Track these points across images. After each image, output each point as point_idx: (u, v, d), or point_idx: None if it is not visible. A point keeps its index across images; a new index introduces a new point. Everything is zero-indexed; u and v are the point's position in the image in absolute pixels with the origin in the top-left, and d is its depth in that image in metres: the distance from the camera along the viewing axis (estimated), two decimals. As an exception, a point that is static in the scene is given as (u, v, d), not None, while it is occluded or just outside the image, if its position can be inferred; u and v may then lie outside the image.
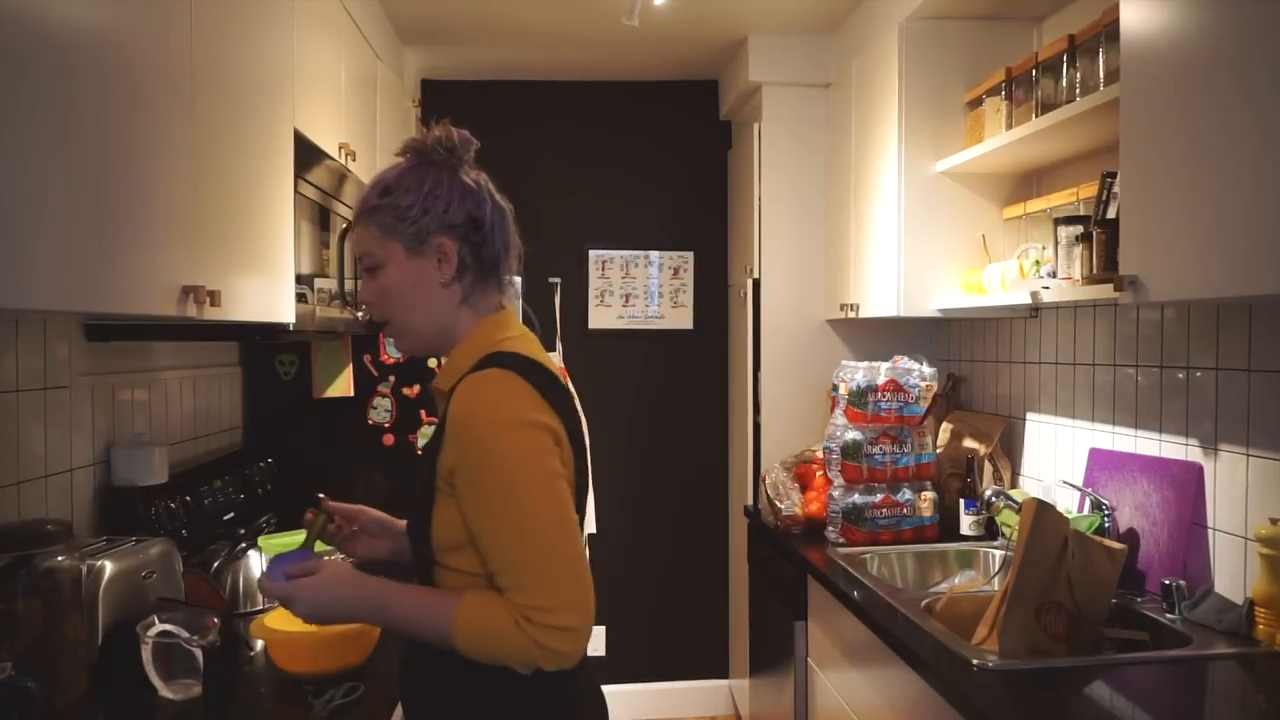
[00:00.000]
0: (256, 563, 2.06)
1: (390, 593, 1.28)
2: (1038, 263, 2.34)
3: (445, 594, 1.26)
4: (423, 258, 1.33)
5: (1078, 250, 2.09)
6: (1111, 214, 1.97)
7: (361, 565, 1.39)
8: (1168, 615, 1.92)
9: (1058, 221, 2.19)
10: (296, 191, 2.07)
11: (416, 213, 1.33)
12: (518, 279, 2.97)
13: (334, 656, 1.59)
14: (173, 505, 2.09)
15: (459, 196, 1.35)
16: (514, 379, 1.24)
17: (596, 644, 3.97)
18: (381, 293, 1.35)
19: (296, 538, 2.35)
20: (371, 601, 1.27)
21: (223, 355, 2.71)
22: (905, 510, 2.69)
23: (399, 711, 1.64)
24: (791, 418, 3.48)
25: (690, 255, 4.07)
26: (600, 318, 4.04)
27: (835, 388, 2.82)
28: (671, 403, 4.11)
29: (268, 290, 1.94)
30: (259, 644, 1.78)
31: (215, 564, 2.04)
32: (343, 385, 2.83)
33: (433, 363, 2.89)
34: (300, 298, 2.10)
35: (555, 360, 1.41)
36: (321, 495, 1.48)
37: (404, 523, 1.48)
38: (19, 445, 1.72)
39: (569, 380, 1.41)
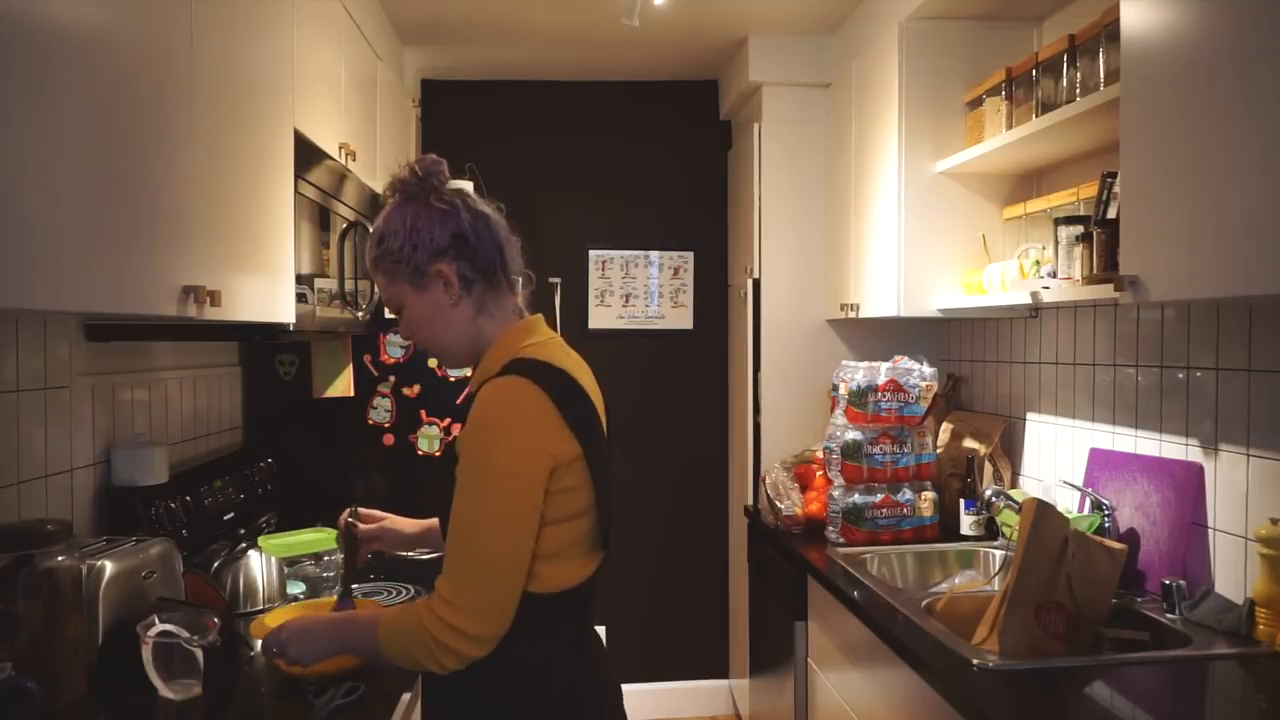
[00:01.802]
0: (257, 563, 2.06)
1: (347, 622, 1.40)
2: (1038, 263, 2.34)
3: (380, 610, 1.38)
4: (428, 289, 1.41)
5: (1078, 250, 2.09)
6: (1111, 214, 1.97)
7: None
8: (1168, 615, 1.92)
9: (1058, 221, 2.19)
10: (297, 191, 2.07)
11: (408, 251, 1.39)
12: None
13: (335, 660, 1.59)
14: (173, 505, 2.09)
15: (438, 221, 1.40)
16: (529, 387, 1.29)
17: (596, 644, 3.96)
18: (410, 328, 1.45)
19: (296, 538, 2.36)
20: (339, 634, 1.39)
21: (223, 355, 2.71)
22: (905, 510, 2.69)
23: (399, 711, 1.64)
24: (791, 418, 3.48)
25: (690, 255, 4.07)
26: (600, 318, 4.04)
27: (835, 388, 2.82)
28: (671, 403, 4.11)
29: (268, 290, 1.94)
30: (259, 644, 1.77)
31: (215, 564, 2.04)
32: (343, 385, 2.83)
33: (433, 363, 2.89)
34: (300, 298, 2.10)
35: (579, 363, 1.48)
36: (350, 520, 1.66)
37: (424, 529, 1.68)
38: (19, 445, 1.72)
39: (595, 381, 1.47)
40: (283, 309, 2.01)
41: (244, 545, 2.10)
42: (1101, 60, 2.02)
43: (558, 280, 3.99)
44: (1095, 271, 2.01)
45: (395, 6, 3.22)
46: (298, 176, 2.07)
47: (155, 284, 1.42)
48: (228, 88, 1.73)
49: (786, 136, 3.53)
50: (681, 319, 4.08)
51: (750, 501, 3.50)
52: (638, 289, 4.06)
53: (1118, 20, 1.74)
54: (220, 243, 1.68)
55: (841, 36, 3.39)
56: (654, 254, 4.06)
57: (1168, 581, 1.93)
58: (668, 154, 4.08)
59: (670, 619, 4.09)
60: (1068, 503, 2.38)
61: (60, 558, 1.48)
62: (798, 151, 3.54)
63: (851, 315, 3.19)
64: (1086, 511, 2.25)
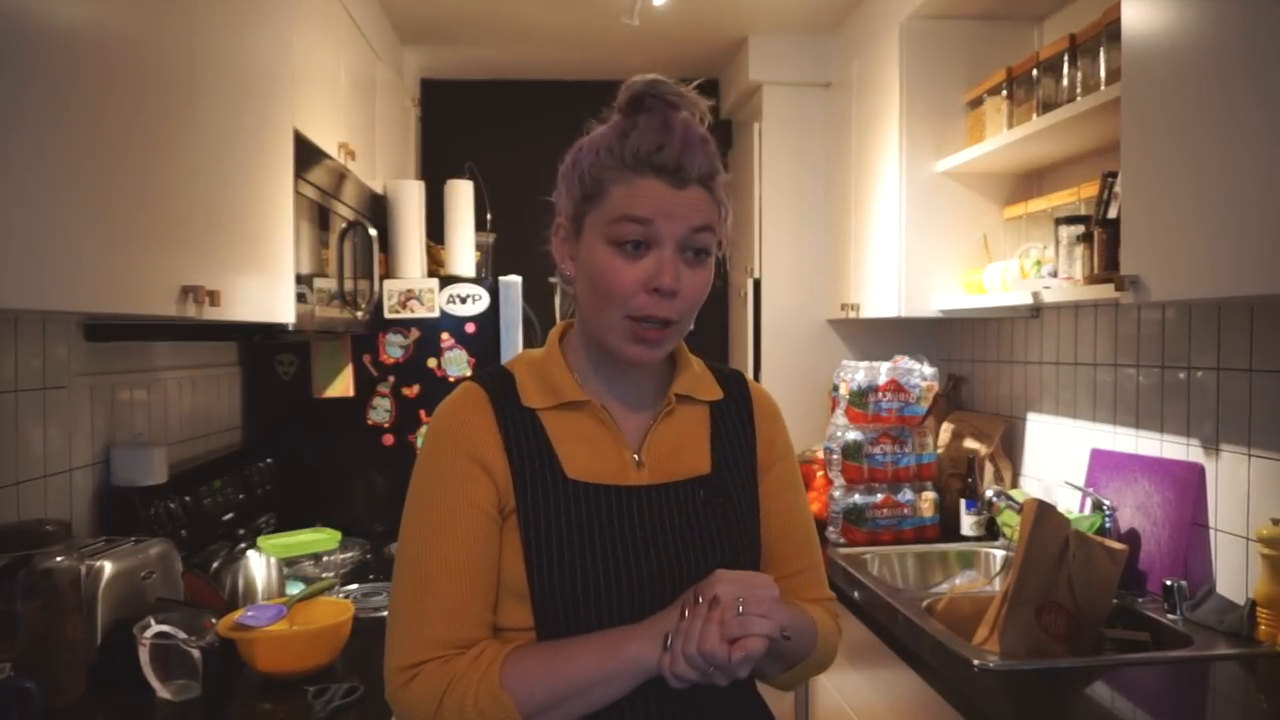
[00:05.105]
0: (256, 563, 2.05)
1: None
2: (1039, 262, 2.34)
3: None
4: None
5: (1079, 250, 2.09)
6: (1112, 214, 1.97)
7: None
8: (1169, 616, 1.91)
9: (1059, 221, 2.19)
10: (296, 191, 2.06)
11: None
12: (518, 279, 2.96)
13: (301, 656, 1.59)
14: (172, 505, 2.09)
15: None
16: None
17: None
18: (703, 288, 1.07)
19: (296, 538, 2.36)
20: None
21: (222, 355, 2.71)
22: (906, 511, 2.69)
23: (399, 712, 1.63)
24: (792, 418, 3.43)
25: (690, 255, 4.06)
26: (600, 318, 4.02)
27: (836, 388, 2.81)
28: (672, 403, 4.09)
29: (267, 290, 1.94)
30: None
31: (215, 564, 2.04)
32: (342, 385, 2.83)
33: (432, 363, 2.88)
34: (300, 298, 2.09)
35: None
36: None
37: None
38: (18, 445, 1.72)
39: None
40: (282, 309, 2.00)
41: (243, 545, 2.10)
42: (1102, 60, 2.02)
43: (557, 280, 3.98)
44: (1096, 271, 2.01)
45: (395, 6, 3.22)
46: (297, 176, 2.07)
47: (155, 284, 1.42)
48: (228, 87, 1.73)
49: (787, 136, 3.53)
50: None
51: (750, 502, 3.49)
52: (638, 289, 4.04)
53: (1118, 20, 1.74)
54: (220, 243, 1.68)
55: (842, 36, 3.39)
56: (654, 254, 4.05)
57: (1169, 582, 1.93)
58: (668, 154, 4.07)
59: (670, 619, 4.08)
60: (1069, 503, 2.38)
61: (59, 558, 1.48)
62: (798, 151, 3.53)
63: (852, 315, 3.19)
64: (1087, 512, 2.25)
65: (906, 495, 2.70)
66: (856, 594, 2.21)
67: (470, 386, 1.12)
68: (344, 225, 2.50)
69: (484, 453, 1.06)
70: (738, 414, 1.21)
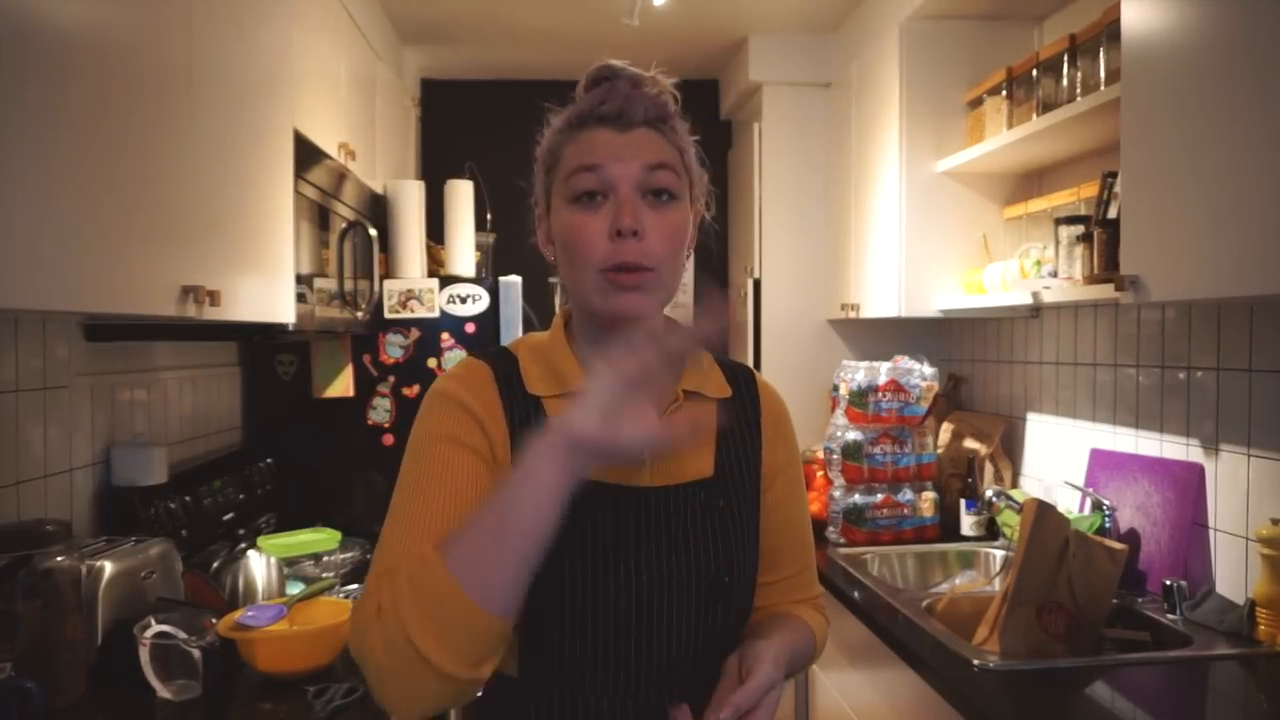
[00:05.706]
0: (256, 563, 2.05)
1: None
2: (1039, 262, 2.34)
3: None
4: (691, 214, 1.09)
5: (1079, 250, 2.09)
6: (1112, 214, 1.97)
7: None
8: (1169, 616, 1.91)
9: (1059, 221, 2.19)
10: (296, 191, 2.07)
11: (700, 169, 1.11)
12: (518, 279, 2.96)
13: (301, 656, 1.59)
14: (172, 505, 2.09)
15: None
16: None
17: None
18: (674, 232, 1.05)
19: (296, 538, 2.36)
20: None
21: (222, 355, 2.71)
22: (906, 511, 2.69)
23: (399, 712, 1.63)
24: (792, 418, 3.47)
25: (690, 255, 4.06)
26: (600, 318, 4.02)
27: (836, 388, 2.81)
28: (672, 403, 4.09)
29: (267, 290, 1.94)
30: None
31: (215, 564, 2.04)
32: (342, 385, 2.83)
33: (432, 363, 2.88)
34: (300, 298, 2.09)
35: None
36: None
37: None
38: (19, 445, 1.72)
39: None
40: (282, 309, 2.00)
41: (243, 545, 2.10)
42: (1102, 60, 2.02)
43: (556, 280, 3.98)
44: (1096, 271, 2.01)
45: (395, 6, 3.22)
46: (297, 176, 2.07)
47: (155, 284, 1.42)
48: (227, 87, 1.73)
49: (787, 136, 3.53)
50: (682, 319, 4.07)
51: (750, 502, 3.49)
52: (638, 289, 4.04)
53: (1118, 20, 1.74)
54: (220, 243, 1.68)
55: (842, 36, 3.39)
56: (654, 254, 4.04)
57: (1169, 582, 1.93)
58: (668, 154, 4.07)
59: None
60: (1068, 503, 2.38)
61: (59, 558, 1.48)
62: (798, 151, 3.53)
63: (852, 315, 3.19)
64: (1087, 512, 2.25)
65: (906, 495, 2.70)
66: (856, 594, 2.21)
67: (475, 362, 1.06)
68: (344, 225, 2.50)
69: (489, 424, 1.01)
70: (745, 414, 1.18)
